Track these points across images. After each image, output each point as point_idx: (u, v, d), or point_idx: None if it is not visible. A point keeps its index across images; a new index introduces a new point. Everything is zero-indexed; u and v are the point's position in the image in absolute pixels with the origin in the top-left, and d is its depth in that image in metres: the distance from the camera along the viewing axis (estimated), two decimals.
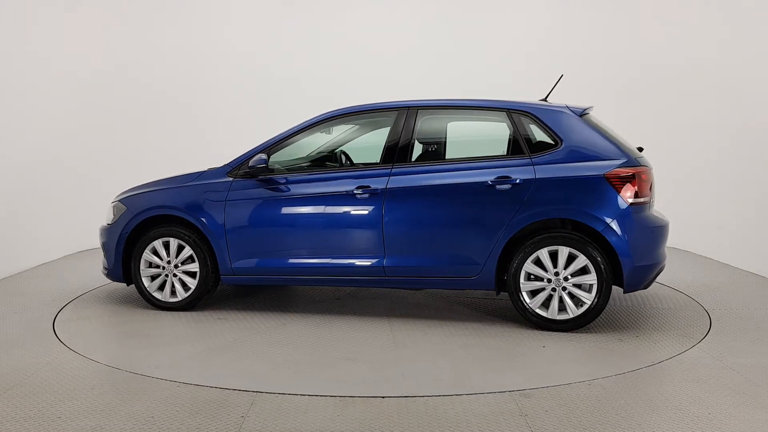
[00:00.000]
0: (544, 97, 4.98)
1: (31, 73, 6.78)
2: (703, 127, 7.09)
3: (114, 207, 5.25)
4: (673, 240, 5.83)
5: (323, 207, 4.76)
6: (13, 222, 6.42)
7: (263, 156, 4.78)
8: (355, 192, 4.66)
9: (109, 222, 5.23)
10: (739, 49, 6.58)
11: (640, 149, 4.82)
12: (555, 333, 4.42)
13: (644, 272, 4.40)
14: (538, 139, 4.63)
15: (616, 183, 4.33)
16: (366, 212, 4.65)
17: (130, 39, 7.94)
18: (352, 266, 4.72)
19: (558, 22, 8.30)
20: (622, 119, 7.03)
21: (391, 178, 4.65)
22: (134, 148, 8.05)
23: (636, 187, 4.33)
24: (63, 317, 4.90)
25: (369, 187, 4.64)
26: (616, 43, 7.97)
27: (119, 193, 5.41)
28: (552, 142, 4.52)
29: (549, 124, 4.54)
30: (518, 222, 4.43)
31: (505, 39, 8.32)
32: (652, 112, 7.75)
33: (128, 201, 5.17)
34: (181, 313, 5.03)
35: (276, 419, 3.13)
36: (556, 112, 4.58)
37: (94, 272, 6.41)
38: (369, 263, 4.68)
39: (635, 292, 5.41)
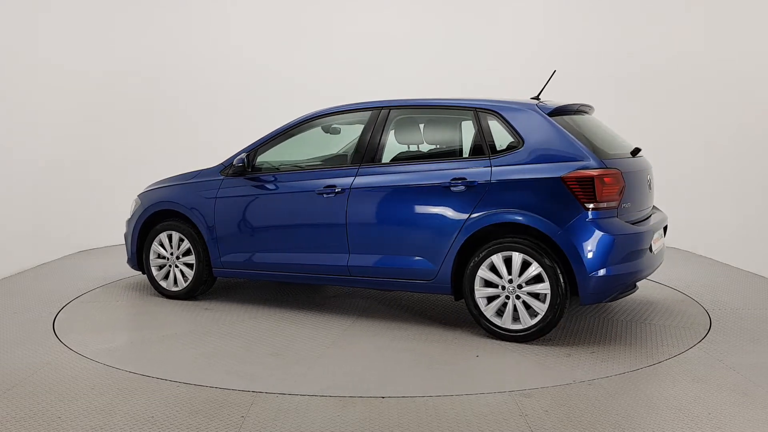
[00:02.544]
0: (536, 94, 4.84)
1: (29, 74, 6.78)
2: (703, 127, 7.09)
3: (134, 201, 5.70)
4: (673, 240, 5.85)
5: (295, 205, 4.87)
6: (14, 222, 6.42)
7: (243, 156, 5.04)
8: (322, 191, 4.72)
9: (130, 215, 5.67)
10: (740, 47, 6.58)
11: (636, 150, 4.62)
12: (508, 337, 4.25)
13: (605, 283, 4.06)
14: (505, 139, 4.45)
15: (574, 186, 4.06)
16: (332, 211, 4.70)
17: (133, 39, 7.95)
18: (321, 265, 4.80)
19: (557, 20, 8.31)
20: (622, 118, 7.04)
21: (356, 178, 4.67)
22: (135, 148, 8.06)
23: (596, 191, 4.04)
24: (63, 317, 4.90)
25: (335, 186, 4.69)
26: (616, 42, 7.97)
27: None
28: (515, 143, 4.34)
29: (512, 124, 4.34)
30: (471, 225, 4.27)
31: (503, 37, 8.33)
32: (652, 111, 7.75)
33: (143, 196, 5.63)
34: (177, 303, 5.29)
35: (276, 419, 3.13)
36: (520, 110, 4.38)
37: (94, 272, 6.42)
38: (335, 262, 4.74)
39: (634, 294, 5.37)
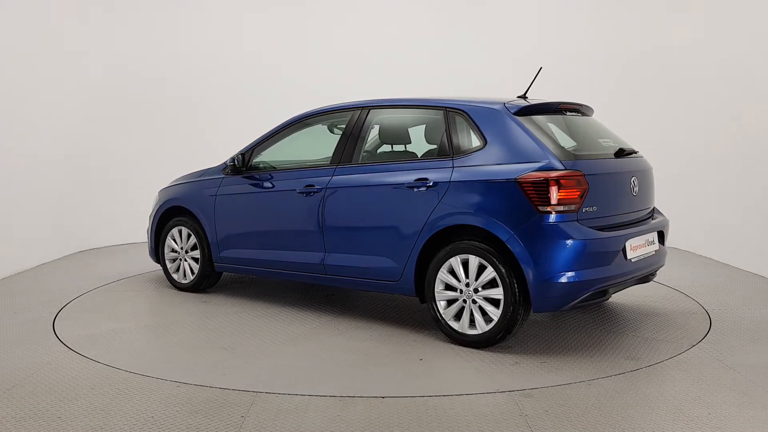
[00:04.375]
0: (523, 93, 4.65)
1: (28, 74, 6.78)
2: (704, 126, 7.09)
3: (155, 197, 5.99)
4: (673, 240, 5.85)
5: (281, 204, 4.97)
6: (14, 222, 6.42)
7: (238, 155, 5.22)
8: (302, 190, 4.81)
9: (151, 210, 5.98)
10: (741, 46, 6.57)
11: (621, 151, 4.37)
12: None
13: (558, 290, 3.83)
14: (472, 139, 4.31)
15: (528, 189, 3.86)
16: (311, 210, 4.77)
17: (135, 38, 7.95)
18: (302, 263, 4.89)
19: (557, 19, 8.31)
20: (623, 118, 7.04)
21: (332, 178, 4.70)
22: (136, 148, 8.07)
23: (551, 194, 3.82)
24: (63, 317, 4.90)
25: (314, 185, 4.75)
26: (616, 40, 7.98)
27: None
28: (479, 143, 4.19)
29: (477, 123, 4.21)
30: (431, 227, 4.18)
31: (503, 37, 8.34)
32: (652, 110, 7.75)
33: (161, 192, 5.93)
34: (180, 296, 5.57)
35: (276, 419, 3.13)
36: (486, 110, 4.23)
37: (94, 272, 6.43)
38: (313, 261, 4.80)
39: (634, 293, 5.38)
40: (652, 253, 4.40)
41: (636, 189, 4.37)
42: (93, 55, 7.72)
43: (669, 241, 4.90)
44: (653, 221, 4.56)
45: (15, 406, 3.28)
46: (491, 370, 3.77)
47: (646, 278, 4.54)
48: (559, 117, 4.46)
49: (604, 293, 4.09)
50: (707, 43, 7.04)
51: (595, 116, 4.91)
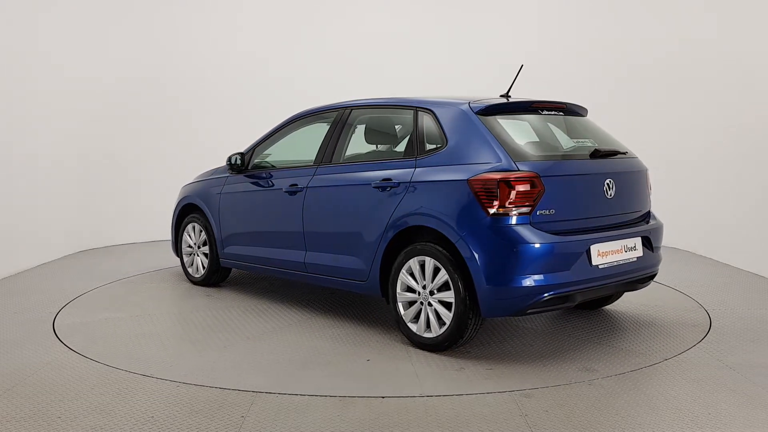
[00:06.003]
0: (506, 91, 4.55)
1: (29, 74, 6.78)
2: (704, 126, 7.10)
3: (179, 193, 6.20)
4: (673, 240, 5.86)
5: (270, 202, 5.08)
6: (13, 222, 6.43)
7: (236, 155, 5.36)
8: (287, 190, 4.89)
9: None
10: (741, 46, 6.57)
11: (597, 152, 4.13)
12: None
13: (507, 295, 3.69)
14: (435, 138, 4.20)
15: (478, 189, 3.75)
16: (294, 209, 4.84)
17: (134, 41, 7.95)
18: (287, 260, 4.97)
19: (557, 19, 8.31)
20: (623, 118, 7.03)
21: (313, 177, 4.75)
22: (136, 149, 8.07)
23: (501, 196, 3.68)
24: (63, 317, 4.91)
25: (297, 185, 4.83)
26: (616, 40, 7.98)
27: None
28: (441, 142, 4.11)
29: (441, 123, 4.13)
30: (392, 227, 4.15)
31: (503, 37, 8.34)
32: (652, 110, 7.75)
33: (182, 189, 6.13)
34: (189, 290, 5.79)
35: (276, 419, 3.13)
36: (450, 109, 4.14)
37: (94, 272, 6.43)
38: (295, 258, 4.88)
39: (634, 293, 5.36)
40: (632, 260, 4.12)
41: (612, 192, 4.09)
42: (92, 57, 7.72)
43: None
44: (638, 226, 4.29)
45: (15, 406, 3.28)
46: (431, 375, 3.69)
47: (632, 285, 4.31)
48: (543, 117, 4.34)
49: (566, 299, 3.82)
50: (707, 42, 7.03)
51: (594, 116, 4.87)
